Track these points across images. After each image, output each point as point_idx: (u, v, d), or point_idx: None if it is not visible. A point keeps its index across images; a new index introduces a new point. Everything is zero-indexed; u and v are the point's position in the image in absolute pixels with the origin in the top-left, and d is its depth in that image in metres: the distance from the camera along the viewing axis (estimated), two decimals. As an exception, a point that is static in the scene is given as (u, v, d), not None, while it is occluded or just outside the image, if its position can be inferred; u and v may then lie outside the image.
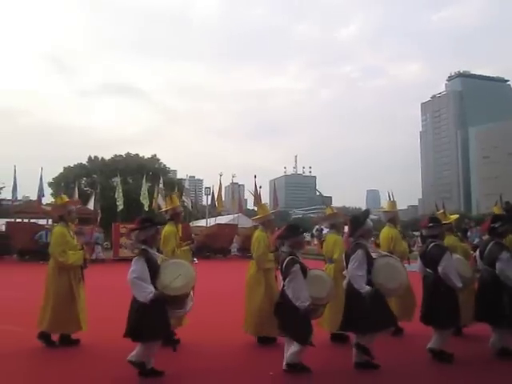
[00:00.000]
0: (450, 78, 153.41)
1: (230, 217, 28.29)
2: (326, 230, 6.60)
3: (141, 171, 33.50)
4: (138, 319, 4.02)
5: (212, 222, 25.90)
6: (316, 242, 34.51)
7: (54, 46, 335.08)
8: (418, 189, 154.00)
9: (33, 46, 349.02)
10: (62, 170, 41.33)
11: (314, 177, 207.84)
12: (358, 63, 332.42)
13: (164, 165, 45.43)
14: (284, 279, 4.38)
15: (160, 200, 23.50)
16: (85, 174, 41.20)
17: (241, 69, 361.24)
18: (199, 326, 5.88)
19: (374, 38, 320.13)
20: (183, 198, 26.07)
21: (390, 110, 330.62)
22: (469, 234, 16.87)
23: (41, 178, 21.49)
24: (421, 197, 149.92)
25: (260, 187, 23.67)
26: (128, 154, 44.90)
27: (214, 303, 8.13)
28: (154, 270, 4.12)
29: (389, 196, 6.81)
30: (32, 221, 21.23)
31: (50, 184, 37.36)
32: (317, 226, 20.89)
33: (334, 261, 5.49)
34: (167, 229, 5.59)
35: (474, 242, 15.34)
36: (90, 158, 43.94)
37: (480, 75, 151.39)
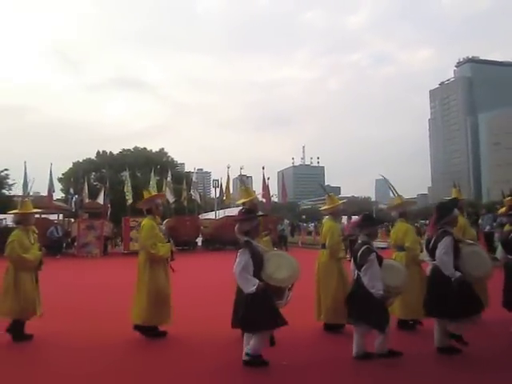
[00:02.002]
0: (459, 64, 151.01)
1: (239, 209, 28.29)
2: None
3: (149, 165, 33.60)
4: (247, 310, 4.07)
5: (221, 214, 25.97)
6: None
7: (61, 40, 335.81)
8: (427, 177, 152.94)
9: (39, 41, 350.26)
10: (71, 166, 41.67)
11: (322, 167, 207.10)
12: (367, 51, 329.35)
13: (172, 158, 45.63)
14: (359, 268, 4.42)
15: (168, 193, 23.59)
16: (94, 168, 41.48)
17: (248, 59, 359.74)
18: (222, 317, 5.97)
19: (383, 25, 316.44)
20: (191, 191, 26.13)
21: (398, 98, 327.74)
22: (480, 221, 16.69)
23: (51, 174, 21.66)
24: (430, 185, 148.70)
25: (268, 178, 23.78)
26: (136, 148, 45.12)
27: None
28: (258, 262, 4.17)
29: (454, 184, 6.94)
30: (43, 216, 21.45)
31: (59, 179, 37.71)
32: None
33: (406, 249, 5.58)
34: None
35: (485, 230, 15.20)
36: (98, 152, 44.24)
37: (489, 60, 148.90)
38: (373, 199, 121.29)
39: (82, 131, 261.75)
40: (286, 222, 29.24)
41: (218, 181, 28.39)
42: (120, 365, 4.47)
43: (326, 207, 5.93)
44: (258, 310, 4.03)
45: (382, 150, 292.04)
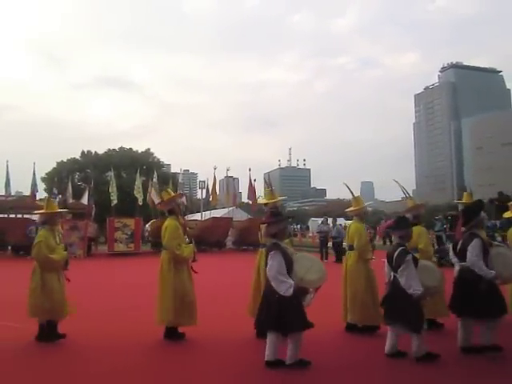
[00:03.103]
0: (443, 69, 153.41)
1: (225, 210, 28.25)
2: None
3: (134, 165, 33.30)
4: (283, 313, 4.04)
5: (207, 215, 25.88)
6: (311, 234, 34.57)
7: (45, 37, 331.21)
8: (411, 180, 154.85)
9: (22, 37, 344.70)
10: (54, 165, 41.03)
11: (309, 169, 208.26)
12: (354, 54, 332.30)
13: (158, 159, 45.21)
14: (395, 269, 4.49)
15: (154, 194, 23.41)
16: (78, 168, 40.92)
17: (235, 61, 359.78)
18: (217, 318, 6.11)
19: (370, 29, 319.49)
20: (178, 192, 25.92)
21: (384, 102, 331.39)
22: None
23: (34, 174, 21.31)
24: (415, 188, 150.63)
25: (255, 180, 23.82)
26: (121, 148, 44.61)
27: (222, 295, 8.38)
28: (288, 263, 4.19)
29: (465, 188, 6.98)
30: (25, 216, 21.09)
31: (43, 179, 37.08)
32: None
33: (419, 250, 5.68)
34: None
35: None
36: (83, 152, 43.62)
37: (473, 66, 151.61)
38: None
39: (66, 130, 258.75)
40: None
41: (204, 182, 28.29)
42: (135, 364, 4.43)
43: (351, 209, 6.03)
44: (295, 312, 4.06)
45: (367, 152, 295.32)
